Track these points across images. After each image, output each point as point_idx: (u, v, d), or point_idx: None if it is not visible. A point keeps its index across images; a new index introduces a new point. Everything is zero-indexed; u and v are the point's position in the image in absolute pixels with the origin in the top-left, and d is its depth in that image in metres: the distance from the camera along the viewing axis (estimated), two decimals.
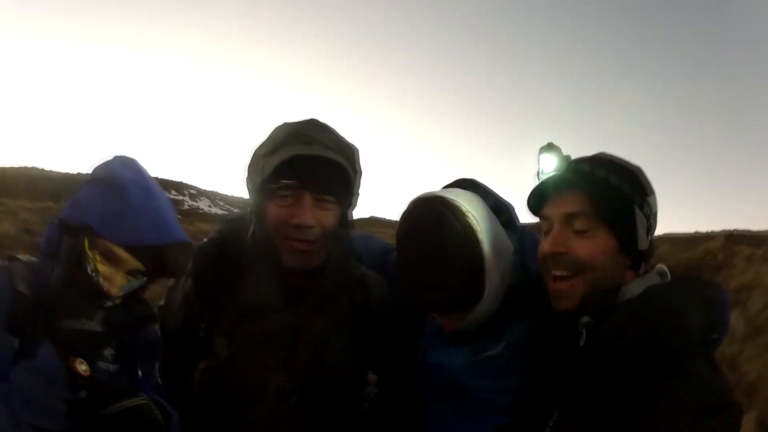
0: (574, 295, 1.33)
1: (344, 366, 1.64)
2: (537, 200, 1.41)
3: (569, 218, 1.33)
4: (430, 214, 1.49)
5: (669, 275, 1.39)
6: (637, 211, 1.32)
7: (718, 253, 12.10)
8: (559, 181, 1.37)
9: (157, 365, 1.64)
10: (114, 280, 1.45)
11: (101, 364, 1.48)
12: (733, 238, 12.83)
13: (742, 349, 7.55)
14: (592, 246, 1.31)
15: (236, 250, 1.65)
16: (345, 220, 1.68)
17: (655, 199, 1.38)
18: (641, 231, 1.33)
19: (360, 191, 1.70)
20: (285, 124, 1.64)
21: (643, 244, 1.33)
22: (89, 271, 1.42)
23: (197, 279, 1.67)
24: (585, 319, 1.32)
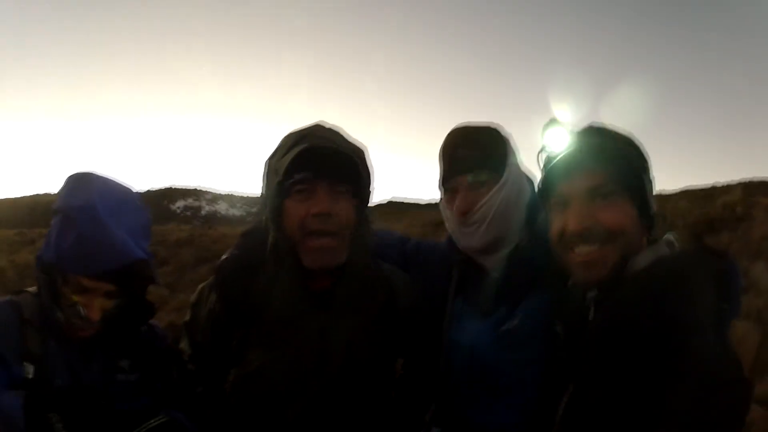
0: (605, 264, 1.32)
1: (375, 366, 1.68)
2: (553, 180, 1.41)
3: (592, 191, 1.34)
4: (473, 123, 1.78)
5: (677, 245, 1.38)
6: (646, 177, 1.37)
7: (737, 206, 11.84)
8: (578, 157, 1.37)
9: (174, 368, 1.69)
10: (92, 306, 1.48)
11: (120, 376, 1.55)
12: (750, 189, 12.54)
13: None
14: (621, 212, 1.32)
15: (258, 261, 1.66)
16: (362, 217, 1.69)
17: (651, 168, 1.42)
18: (651, 197, 1.37)
19: (372, 189, 1.73)
20: (293, 130, 1.68)
21: (653, 208, 1.38)
22: (70, 305, 1.47)
23: (222, 296, 1.68)
24: (592, 293, 1.33)
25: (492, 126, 1.77)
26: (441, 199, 1.80)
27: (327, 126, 1.68)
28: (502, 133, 1.75)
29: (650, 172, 1.39)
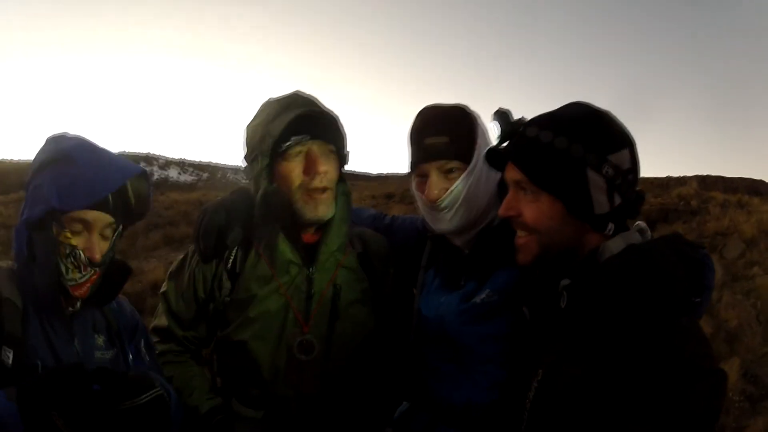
0: (528, 252, 1.35)
1: (357, 315, 1.82)
2: (495, 165, 1.46)
3: (516, 184, 1.35)
4: (441, 105, 1.79)
5: (649, 233, 1.34)
6: (591, 173, 1.25)
7: (692, 199, 12.26)
8: (501, 152, 1.39)
9: (143, 342, 1.68)
10: (93, 247, 1.45)
11: (98, 354, 1.51)
12: (706, 184, 12.99)
13: (720, 296, 7.60)
14: (537, 210, 1.31)
15: (246, 214, 1.79)
16: (341, 176, 1.85)
17: (625, 153, 1.29)
18: (597, 194, 1.26)
19: (348, 150, 1.87)
20: (273, 98, 1.79)
21: (601, 207, 1.27)
22: (67, 254, 1.42)
23: (204, 240, 1.76)
24: (565, 281, 1.31)
25: (460, 108, 1.76)
26: (412, 181, 1.82)
27: (306, 94, 1.79)
28: (471, 115, 1.75)
29: (608, 166, 1.26)
